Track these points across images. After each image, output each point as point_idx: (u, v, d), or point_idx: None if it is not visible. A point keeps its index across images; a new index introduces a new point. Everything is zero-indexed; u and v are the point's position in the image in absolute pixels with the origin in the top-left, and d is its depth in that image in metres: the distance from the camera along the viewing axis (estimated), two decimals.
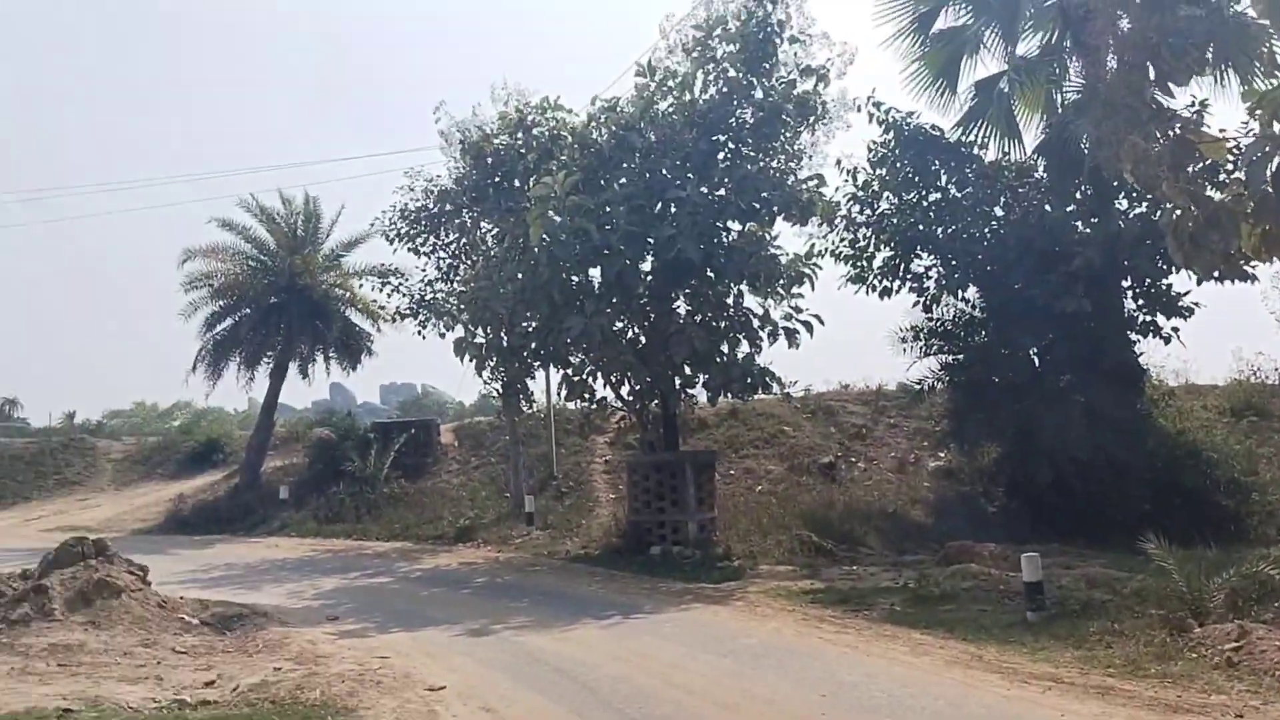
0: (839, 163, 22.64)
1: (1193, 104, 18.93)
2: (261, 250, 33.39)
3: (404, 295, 28.64)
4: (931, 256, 22.56)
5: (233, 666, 11.47)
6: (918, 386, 23.69)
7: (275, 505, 30.37)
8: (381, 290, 29.51)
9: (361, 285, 33.22)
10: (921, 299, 22.71)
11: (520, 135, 23.13)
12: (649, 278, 20.63)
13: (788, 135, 20.89)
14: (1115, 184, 20.45)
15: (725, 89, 20.68)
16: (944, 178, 22.41)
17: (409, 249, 27.58)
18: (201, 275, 32.49)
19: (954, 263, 22.19)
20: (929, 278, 22.65)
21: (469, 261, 26.47)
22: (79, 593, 13.45)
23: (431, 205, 26.97)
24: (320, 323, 32.95)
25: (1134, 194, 20.92)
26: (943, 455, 26.02)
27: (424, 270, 27.82)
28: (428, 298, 27.97)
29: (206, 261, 32.53)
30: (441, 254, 27.52)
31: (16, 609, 13.44)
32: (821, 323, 20.09)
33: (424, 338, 27.64)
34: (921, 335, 23.04)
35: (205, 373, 32.88)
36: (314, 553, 24.47)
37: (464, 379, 74.75)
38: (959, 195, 22.23)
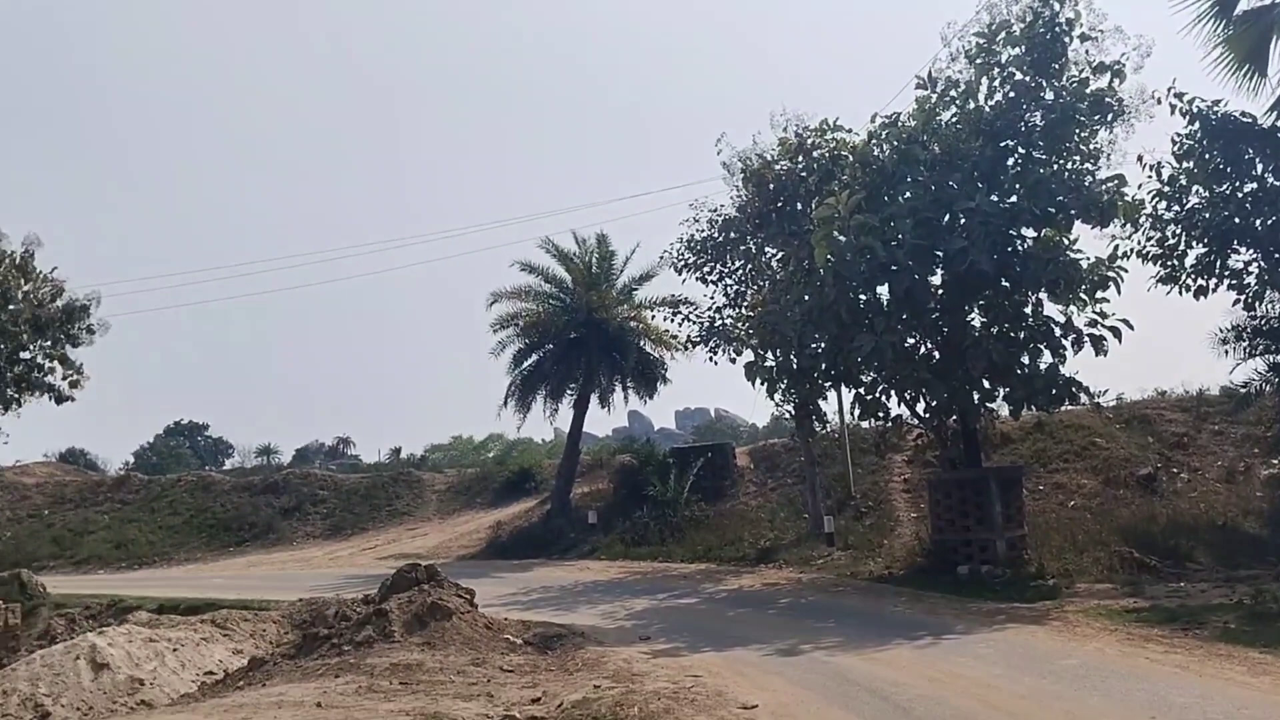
0: (1140, 159, 21.43)
1: None
2: (560, 289, 35.04)
3: (694, 323, 29.36)
4: (1251, 251, 20.95)
5: (555, 684, 12.09)
6: (1243, 390, 22.04)
7: (585, 529, 31.69)
8: (673, 320, 30.40)
9: (654, 316, 34.29)
10: (1242, 296, 21.12)
11: (800, 159, 23.28)
12: (939, 291, 20.25)
13: (1083, 135, 20.02)
14: None
15: (1012, 93, 20.08)
16: (1259, 166, 20.80)
17: (697, 278, 28.33)
18: (508, 315, 34.47)
19: (1277, 256, 20.57)
20: (1249, 273, 21.04)
21: (755, 287, 26.82)
22: (415, 615, 14.55)
23: (716, 234, 27.58)
24: (617, 354, 34.18)
25: None
26: (1276, 463, 24.08)
27: (712, 298, 28.50)
28: (717, 324, 28.54)
29: (512, 302, 34.51)
30: (728, 281, 28.08)
31: (361, 631, 14.70)
32: (1130, 327, 19.08)
33: (715, 363, 28.24)
34: (1244, 335, 21.43)
35: (515, 406, 34.76)
36: (623, 575, 25.33)
37: (756, 402, 75.24)
38: (1278, 184, 20.60)
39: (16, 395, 46.79)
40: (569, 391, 34.98)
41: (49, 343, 47.09)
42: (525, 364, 34.92)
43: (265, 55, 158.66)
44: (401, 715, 10.80)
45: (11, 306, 44.83)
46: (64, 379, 47.65)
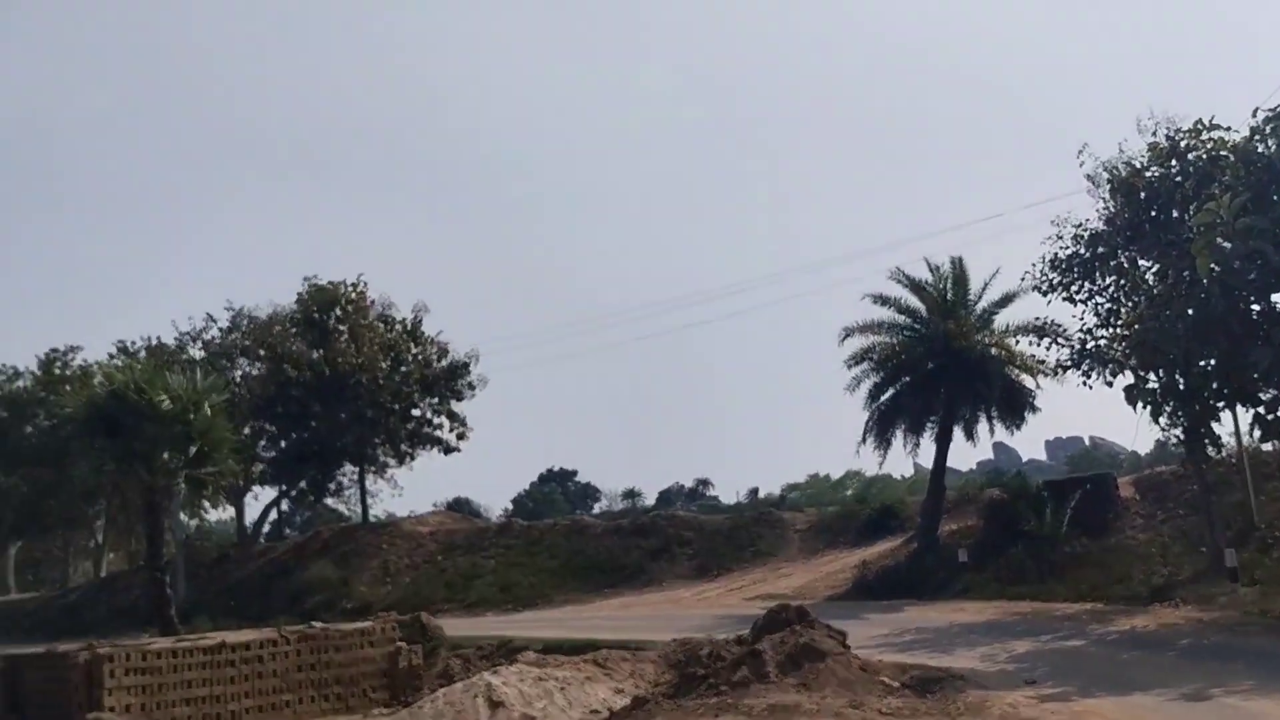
0: None
1: None
2: (915, 319, 34.17)
3: (1063, 346, 27.68)
4: None
5: None
6: None
7: (955, 568, 30.51)
8: (1039, 344, 28.83)
9: (1017, 341, 32.70)
10: None
11: (1174, 163, 21.58)
12: None
13: None
14: None
15: None
16: None
17: (1063, 298, 26.70)
18: (862, 350, 33.97)
19: None
20: None
21: (1130, 304, 24.99)
22: (788, 656, 14.41)
23: (1083, 251, 25.90)
24: (980, 384, 32.85)
25: None
26: None
27: (1081, 319, 26.74)
28: (1089, 346, 26.76)
29: (865, 336, 33.99)
30: (1099, 299, 26.26)
31: (736, 672, 14.73)
32: None
33: (1089, 388, 26.39)
34: None
35: (874, 443, 34.13)
36: (1000, 615, 24.17)
37: (1138, 427, 70.27)
38: None
39: (410, 450, 51.23)
40: (929, 425, 33.98)
41: (436, 400, 51.31)
42: (882, 398, 34.25)
43: (609, 111, 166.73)
44: None
45: (404, 369, 49.23)
46: (451, 432, 51.84)
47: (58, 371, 54.46)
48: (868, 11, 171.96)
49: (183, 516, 51.62)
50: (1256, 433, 19.83)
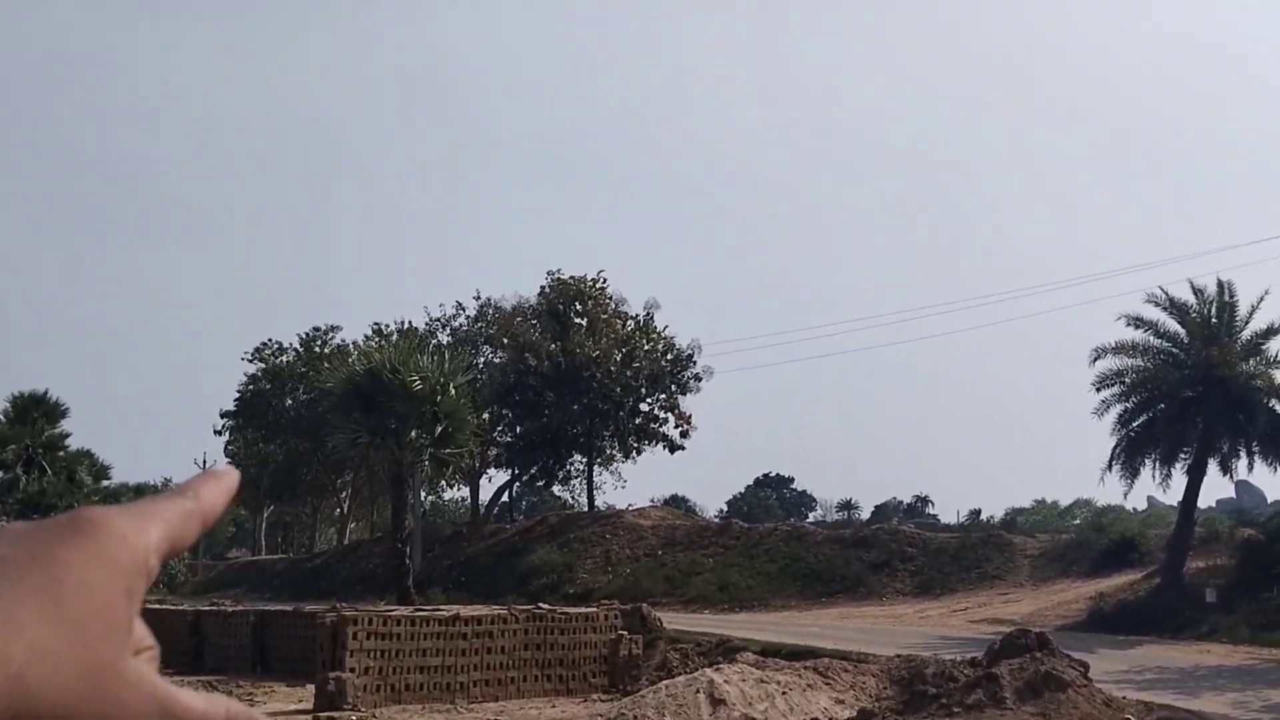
0: None
1: None
2: (1174, 343, 32.37)
3: None
4: None
5: None
6: None
7: (1200, 608, 28.81)
8: None
9: None
10: None
11: None
12: None
13: None
14: None
15: None
16: None
17: None
18: (1113, 373, 32.42)
19: None
20: None
21: None
22: (1027, 683, 13.93)
23: None
24: (1241, 415, 30.83)
25: None
26: None
27: None
28: None
29: (1117, 359, 32.42)
30: None
31: (970, 694, 14.33)
32: None
33: None
34: None
35: (1120, 470, 32.55)
36: (1253, 661, 22.79)
37: None
38: None
39: (637, 445, 52.17)
40: (1183, 455, 32.11)
41: (663, 395, 52.07)
42: (1133, 425, 32.60)
43: (844, 122, 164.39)
44: None
45: (635, 364, 50.19)
46: (676, 429, 52.47)
47: (318, 349, 57.95)
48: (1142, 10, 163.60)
49: (422, 492, 54.12)
50: None
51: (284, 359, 59.49)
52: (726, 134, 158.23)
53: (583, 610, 24.22)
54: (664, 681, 17.83)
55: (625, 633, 23.00)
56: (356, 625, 19.81)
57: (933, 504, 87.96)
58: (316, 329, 59.64)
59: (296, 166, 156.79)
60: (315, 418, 48.93)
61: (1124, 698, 14.96)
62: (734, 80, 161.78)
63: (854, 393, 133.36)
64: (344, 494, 64.88)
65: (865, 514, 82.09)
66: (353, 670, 19.11)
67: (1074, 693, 13.69)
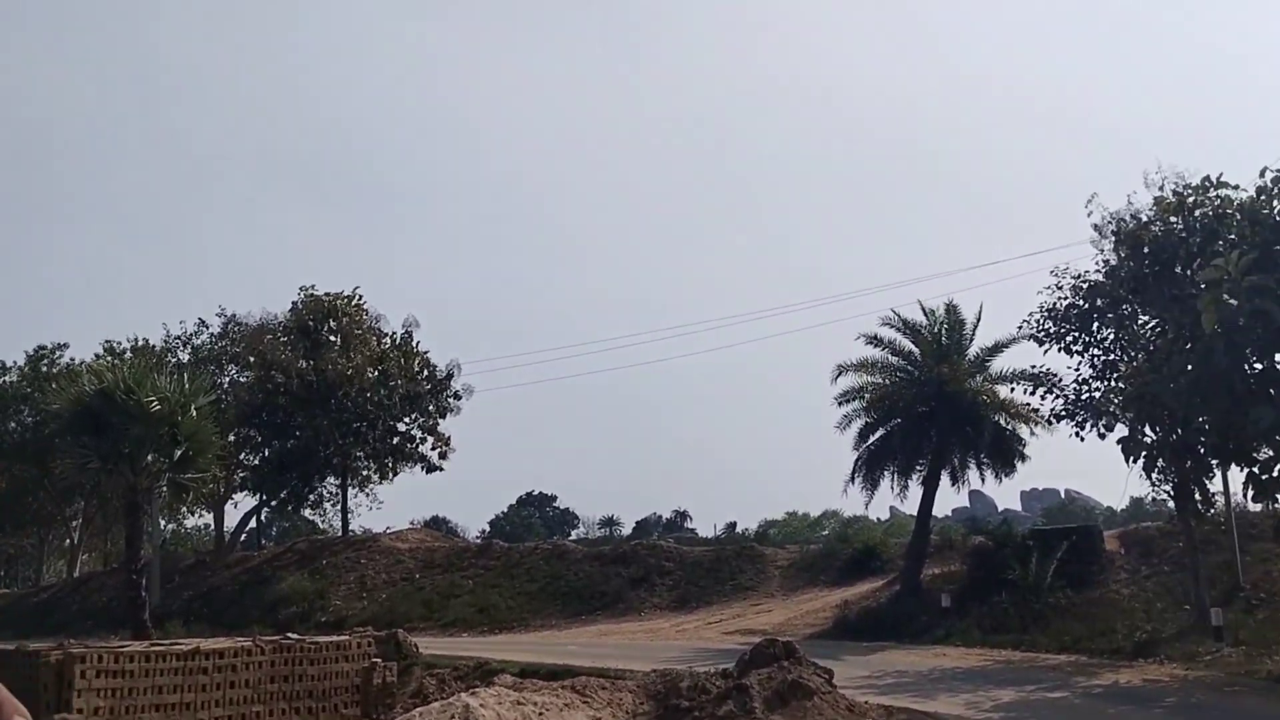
0: None
1: None
2: (909, 361, 34.13)
3: (1057, 397, 27.68)
4: None
5: None
6: None
7: (937, 613, 30.31)
8: (1034, 393, 28.81)
9: (1012, 389, 32.66)
10: None
11: (1179, 219, 21.64)
12: None
13: None
14: None
15: None
16: None
17: (1059, 349, 26.76)
18: (854, 389, 33.88)
19: None
20: None
21: (1127, 357, 25.04)
22: (775, 693, 14.22)
23: (1081, 302, 25.99)
24: (970, 429, 32.78)
25: None
26: None
27: (1077, 369, 26.79)
28: (1083, 397, 26.78)
29: (857, 375, 33.89)
30: (1095, 351, 26.33)
31: (721, 706, 14.51)
32: None
33: (1082, 439, 26.38)
34: None
35: (861, 483, 34.00)
36: (983, 663, 23.97)
37: (1114, 483, 70.31)
38: None
39: (393, 466, 50.92)
40: (918, 468, 33.84)
41: (421, 416, 51.06)
42: (872, 439, 34.14)
43: (604, 133, 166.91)
44: None
45: (391, 383, 49.02)
46: (434, 450, 51.54)
47: (45, 369, 54.02)
48: (874, 55, 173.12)
49: (161, 520, 51.16)
50: (1250, 492, 19.71)
51: (6, 379, 55.19)
52: (487, 147, 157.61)
53: (334, 639, 23.24)
54: (418, 709, 17.32)
55: (379, 660, 22.28)
56: (85, 663, 18.37)
57: (691, 518, 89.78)
58: (42, 347, 55.53)
59: (25, 171, 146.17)
60: (41, 442, 45.55)
61: (866, 702, 15.46)
62: (491, 89, 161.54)
63: (616, 410, 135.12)
64: (74, 523, 60.57)
65: (627, 530, 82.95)
66: (80, 711, 17.73)
67: (819, 699, 14.07)
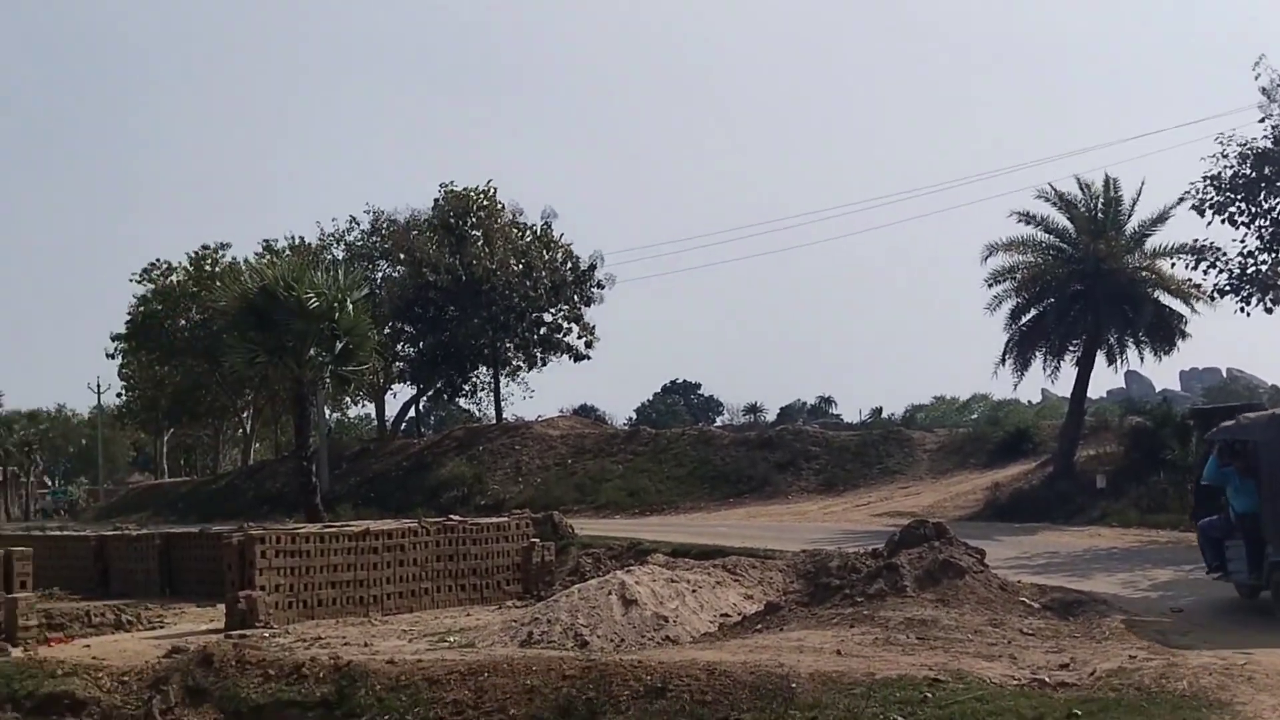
0: None
1: None
2: (1063, 239, 32.96)
3: (1220, 271, 26.49)
4: None
5: (1083, 651, 11.50)
6: None
7: (1091, 494, 29.86)
8: (1195, 268, 27.66)
9: (1172, 265, 31.37)
10: None
11: None
12: None
13: None
14: None
15: None
16: None
17: (1223, 220, 25.53)
18: (1004, 269, 32.95)
19: None
20: None
21: None
22: (926, 571, 14.40)
23: (1249, 170, 24.67)
24: (1128, 308, 31.69)
25: None
26: None
27: (1242, 242, 25.55)
28: (1249, 271, 25.59)
29: (1009, 255, 32.91)
30: (1262, 222, 25.06)
31: (872, 584, 14.77)
32: None
33: (1248, 315, 25.28)
34: None
35: (1013, 365, 33.32)
36: (1139, 543, 23.72)
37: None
38: None
39: (542, 355, 52.06)
40: (1072, 348, 32.96)
41: (566, 306, 51.90)
42: (1023, 320, 33.27)
43: (752, 8, 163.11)
44: (923, 669, 10.74)
45: (535, 275, 49.80)
46: (580, 339, 52.46)
47: (209, 268, 56.45)
48: None
49: (326, 410, 53.51)
50: None
51: (174, 279, 57.90)
52: (623, 31, 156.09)
53: (494, 520, 24.32)
54: (576, 585, 18.06)
55: (537, 540, 23.20)
56: (265, 544, 19.61)
57: (836, 404, 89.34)
58: (205, 247, 58.03)
59: (175, 79, 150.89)
60: (211, 337, 47.84)
61: (1019, 581, 15.53)
62: None
63: (758, 297, 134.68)
64: (245, 414, 63.86)
65: (771, 416, 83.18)
66: (263, 588, 18.97)
67: (971, 578, 14.18)
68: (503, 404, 53.10)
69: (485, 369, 52.57)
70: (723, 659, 11.88)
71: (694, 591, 16.99)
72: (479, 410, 60.62)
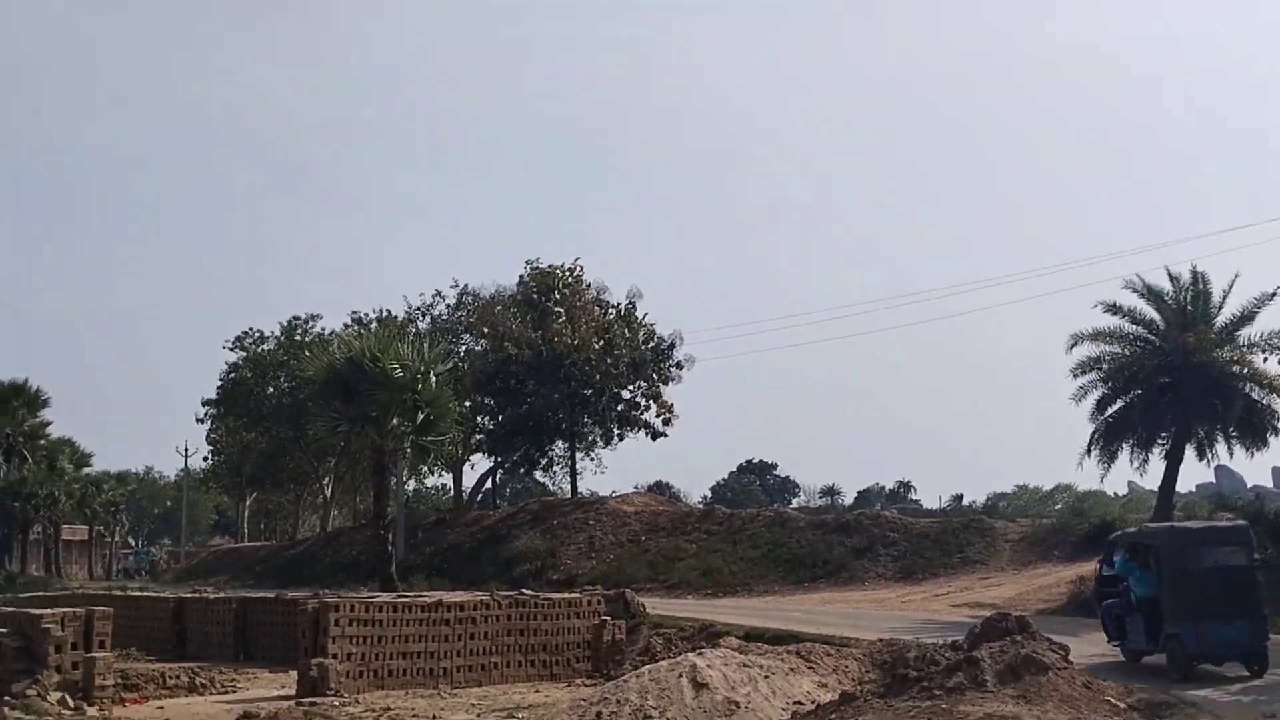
0: None
1: None
2: (1150, 330, 32.55)
3: None
4: None
5: None
6: None
7: None
8: None
9: (1265, 359, 30.72)
10: None
11: None
12: None
13: None
14: None
15: None
16: None
17: None
18: (1091, 359, 32.62)
19: None
20: None
21: None
22: (1008, 666, 13.97)
23: None
24: (1218, 401, 31.04)
25: None
26: None
27: None
28: None
29: (1095, 345, 32.61)
30: None
31: (951, 678, 14.35)
32: None
33: None
34: None
35: (1098, 455, 32.78)
36: None
37: None
38: None
39: (619, 431, 52.20)
40: (1159, 441, 32.33)
41: (645, 384, 52.08)
42: (1109, 410, 32.78)
43: (830, 105, 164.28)
44: None
45: (616, 352, 50.15)
46: (658, 416, 52.51)
47: (299, 337, 57.75)
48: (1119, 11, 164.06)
49: (404, 479, 54.09)
50: None
51: (265, 347, 59.32)
52: (709, 119, 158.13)
53: (566, 596, 24.32)
54: (647, 666, 17.88)
55: (609, 618, 23.10)
56: (339, 611, 19.84)
57: (915, 489, 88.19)
58: (297, 318, 59.54)
59: (278, 157, 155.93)
60: (297, 405, 48.85)
61: (1105, 681, 15.05)
62: (711, 61, 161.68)
63: (837, 379, 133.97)
64: (326, 480, 64.78)
65: (848, 500, 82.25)
66: (335, 656, 19.14)
67: (1054, 675, 13.75)
68: (577, 478, 53.26)
69: (562, 443, 52.84)
70: None
71: (767, 677, 16.71)
72: (554, 484, 60.93)
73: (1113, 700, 13.68)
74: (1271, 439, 31.60)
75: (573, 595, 24.47)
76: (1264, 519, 29.92)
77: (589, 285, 51.60)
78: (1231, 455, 32.71)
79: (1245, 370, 31.43)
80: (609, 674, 20.20)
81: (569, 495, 52.95)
